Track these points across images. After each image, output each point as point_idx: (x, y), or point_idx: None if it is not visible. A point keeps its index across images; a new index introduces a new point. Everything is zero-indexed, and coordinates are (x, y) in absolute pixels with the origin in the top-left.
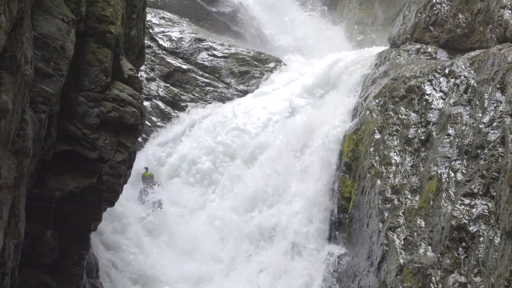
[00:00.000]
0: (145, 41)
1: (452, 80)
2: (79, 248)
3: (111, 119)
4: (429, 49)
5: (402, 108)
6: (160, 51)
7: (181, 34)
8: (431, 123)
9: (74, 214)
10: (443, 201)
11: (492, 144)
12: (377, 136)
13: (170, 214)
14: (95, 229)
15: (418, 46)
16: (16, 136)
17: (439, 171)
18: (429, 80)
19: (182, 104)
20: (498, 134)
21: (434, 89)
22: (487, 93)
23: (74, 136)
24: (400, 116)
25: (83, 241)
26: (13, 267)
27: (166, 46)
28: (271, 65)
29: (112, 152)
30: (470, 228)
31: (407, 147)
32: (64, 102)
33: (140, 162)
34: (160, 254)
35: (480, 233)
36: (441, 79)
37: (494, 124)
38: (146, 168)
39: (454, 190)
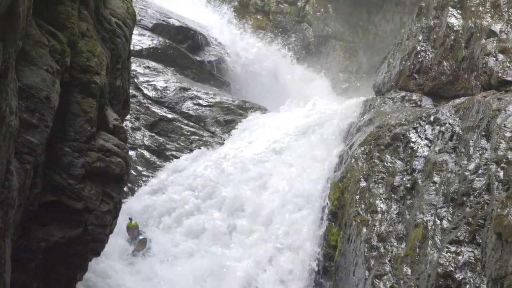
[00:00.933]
0: (130, 91)
1: (437, 127)
2: None
3: (96, 169)
4: (414, 97)
5: (387, 156)
6: (145, 101)
7: (166, 83)
8: (417, 170)
9: (60, 265)
10: (429, 248)
11: (477, 191)
12: (363, 184)
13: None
14: (81, 279)
15: (403, 93)
16: (1, 187)
17: (425, 219)
18: (414, 128)
19: (168, 153)
20: (484, 181)
21: (419, 136)
22: (472, 140)
23: (60, 186)
24: (385, 163)
25: None
26: None
27: (151, 96)
28: (257, 113)
29: (98, 202)
30: (457, 276)
31: (392, 195)
32: (49, 153)
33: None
34: None
35: (467, 281)
36: (426, 126)
37: (480, 171)
38: (130, 219)
39: (440, 238)
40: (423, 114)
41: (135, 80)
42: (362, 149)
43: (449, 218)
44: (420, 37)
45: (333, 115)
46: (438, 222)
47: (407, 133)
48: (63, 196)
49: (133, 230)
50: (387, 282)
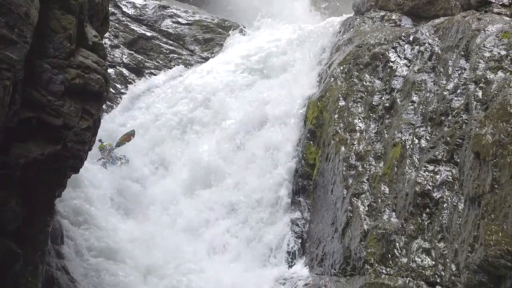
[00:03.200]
0: (109, 8)
1: (417, 47)
2: (44, 215)
3: (75, 86)
4: (394, 17)
5: (366, 75)
6: (124, 18)
7: (145, 1)
8: (396, 90)
9: (39, 181)
10: (407, 167)
11: (456, 111)
12: (342, 103)
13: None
14: (59, 195)
15: (382, 13)
16: None
17: (403, 138)
18: (393, 47)
19: (146, 71)
20: (462, 101)
21: (399, 56)
22: (451, 60)
23: (39, 103)
24: (364, 83)
25: (48, 208)
26: None
27: (130, 13)
28: (235, 32)
29: (77, 119)
30: (434, 194)
31: (371, 114)
32: (29, 69)
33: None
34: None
35: (444, 199)
36: (406, 46)
37: (458, 91)
38: (100, 140)
39: (418, 157)
40: (403, 34)
41: None
42: (341, 68)
43: (427, 138)
44: None
45: (312, 34)
46: (416, 141)
47: (386, 52)
48: (42, 113)
49: (103, 151)
50: (365, 201)
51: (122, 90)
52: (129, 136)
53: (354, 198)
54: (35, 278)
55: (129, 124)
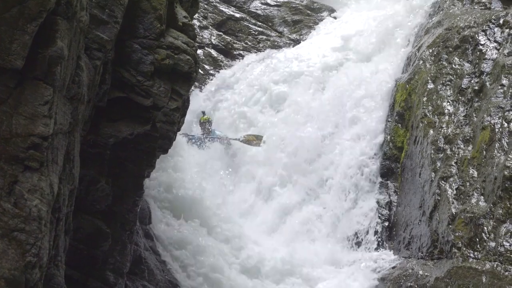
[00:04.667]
0: None
1: (507, 30)
2: (133, 195)
3: (165, 67)
4: None
5: (455, 58)
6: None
7: None
8: (485, 73)
9: (128, 161)
10: (496, 151)
11: None
12: (430, 86)
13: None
14: (148, 175)
15: None
16: (71, 83)
17: (492, 121)
18: (483, 30)
19: (235, 53)
20: None
21: (488, 39)
22: None
23: (129, 83)
24: (453, 66)
25: (137, 187)
26: (67, 212)
27: None
28: (324, 14)
29: (166, 99)
30: None
31: (460, 97)
32: (119, 49)
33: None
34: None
35: None
36: (496, 29)
37: None
38: (203, 112)
39: (507, 140)
40: (493, 17)
41: None
42: (430, 51)
43: None
44: None
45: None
46: (506, 125)
47: (476, 35)
48: (131, 93)
49: (204, 123)
50: (453, 184)
51: (211, 72)
52: (257, 140)
53: (442, 181)
54: (123, 257)
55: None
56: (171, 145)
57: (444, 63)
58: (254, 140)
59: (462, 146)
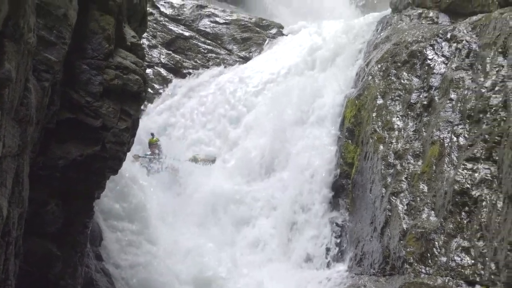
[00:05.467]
0: (147, 8)
1: (454, 44)
2: (83, 216)
3: (114, 87)
4: (431, 14)
5: (404, 73)
6: (162, 18)
7: (182, 1)
8: (434, 88)
9: (78, 183)
10: (445, 165)
11: (494, 108)
12: (380, 101)
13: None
14: (98, 197)
15: (420, 11)
16: (19, 105)
17: (441, 136)
18: (431, 45)
19: (184, 71)
20: (500, 98)
21: (436, 53)
22: (489, 57)
23: (78, 104)
24: (402, 81)
25: (87, 209)
26: (17, 236)
27: (168, 13)
28: (273, 31)
29: (116, 120)
30: (473, 193)
31: (409, 112)
32: (67, 70)
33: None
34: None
35: (483, 198)
36: (443, 43)
37: (496, 88)
38: (152, 134)
39: (456, 155)
40: (440, 31)
41: None
42: (379, 66)
43: (466, 135)
44: None
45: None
46: (455, 139)
47: (424, 50)
48: (81, 114)
49: (153, 146)
50: (404, 199)
51: (160, 90)
52: (209, 160)
53: (393, 197)
54: (75, 280)
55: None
56: (121, 166)
57: (393, 78)
58: (205, 159)
59: (412, 161)
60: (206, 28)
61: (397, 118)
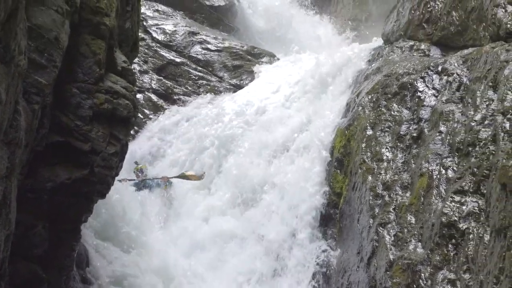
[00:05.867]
0: (139, 34)
1: (445, 77)
2: (70, 239)
3: (104, 111)
4: (423, 46)
5: (394, 105)
6: (153, 44)
7: (175, 27)
8: (423, 120)
9: (66, 206)
10: (433, 198)
11: (483, 142)
12: (369, 132)
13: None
14: (85, 220)
15: (411, 43)
16: (8, 127)
17: (430, 168)
18: (422, 77)
19: (175, 97)
20: (490, 132)
21: (427, 86)
22: (480, 91)
23: (67, 127)
24: (392, 112)
25: (74, 232)
26: (3, 258)
27: (160, 39)
28: (265, 59)
29: (105, 144)
30: (460, 225)
31: (399, 144)
32: (58, 94)
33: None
34: None
35: (470, 230)
36: (434, 76)
37: (486, 122)
38: (136, 163)
39: (445, 187)
40: (431, 64)
41: (144, 23)
42: (370, 97)
43: (454, 168)
44: None
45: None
46: (443, 171)
47: (415, 82)
48: (70, 137)
49: (138, 172)
50: (391, 230)
51: (151, 116)
52: (197, 177)
53: (380, 228)
54: None
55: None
56: (109, 190)
57: (383, 109)
58: (194, 177)
59: (400, 192)
60: (197, 54)
61: (386, 149)
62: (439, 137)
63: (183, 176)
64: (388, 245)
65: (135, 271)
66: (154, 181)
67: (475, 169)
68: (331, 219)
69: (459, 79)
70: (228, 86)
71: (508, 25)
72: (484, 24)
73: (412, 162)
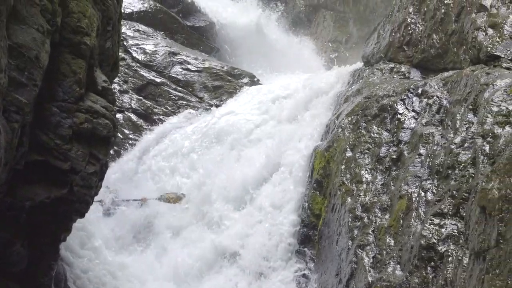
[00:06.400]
0: (119, 53)
1: (425, 100)
2: (49, 258)
3: (84, 131)
4: (403, 69)
5: (374, 127)
6: (134, 64)
7: (155, 47)
8: (403, 142)
9: (45, 225)
10: (413, 220)
11: (463, 164)
12: (349, 154)
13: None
14: (64, 239)
15: (391, 65)
16: None
17: (409, 190)
18: (402, 100)
19: (155, 117)
20: (469, 155)
21: (407, 108)
22: (459, 113)
23: (47, 146)
24: (372, 134)
25: (52, 251)
26: None
27: (140, 59)
28: (245, 80)
29: (84, 163)
30: (439, 248)
31: (378, 166)
32: (38, 112)
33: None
34: None
35: (449, 253)
36: (414, 98)
37: (466, 145)
38: (107, 187)
39: (424, 210)
40: (411, 86)
41: (125, 43)
42: (349, 119)
43: (434, 191)
44: (411, 9)
45: (320, 83)
46: (423, 194)
47: (395, 104)
48: (49, 156)
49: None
50: (370, 252)
51: (130, 136)
52: (178, 198)
53: (359, 250)
54: None
55: None
56: (88, 209)
57: (362, 131)
58: (174, 198)
59: (379, 214)
60: (177, 75)
61: (366, 171)
62: (419, 160)
63: (163, 199)
64: (367, 267)
65: None
66: (133, 203)
67: (454, 192)
68: (310, 241)
69: (439, 101)
70: (207, 107)
71: (489, 48)
72: (464, 47)
73: (392, 184)
